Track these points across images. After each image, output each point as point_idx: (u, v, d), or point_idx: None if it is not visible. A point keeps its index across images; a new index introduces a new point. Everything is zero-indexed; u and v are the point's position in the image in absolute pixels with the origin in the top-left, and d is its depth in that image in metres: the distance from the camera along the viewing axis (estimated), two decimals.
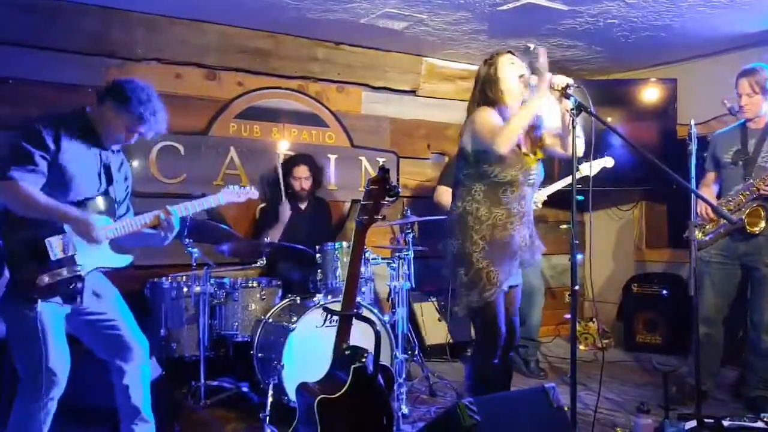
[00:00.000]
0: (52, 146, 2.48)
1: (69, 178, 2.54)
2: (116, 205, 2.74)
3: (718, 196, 3.94)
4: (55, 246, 2.48)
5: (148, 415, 2.79)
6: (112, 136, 2.66)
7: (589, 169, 3.67)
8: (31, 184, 2.44)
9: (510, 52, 3.00)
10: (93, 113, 2.65)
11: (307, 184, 4.64)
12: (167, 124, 2.71)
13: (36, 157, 2.45)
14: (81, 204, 2.58)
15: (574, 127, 2.75)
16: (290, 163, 4.70)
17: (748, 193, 3.69)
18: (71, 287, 2.52)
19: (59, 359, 2.49)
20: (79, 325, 2.64)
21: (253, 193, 3.20)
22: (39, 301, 2.43)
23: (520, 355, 4.70)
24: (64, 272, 2.49)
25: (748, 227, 3.66)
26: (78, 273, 2.53)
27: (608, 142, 5.05)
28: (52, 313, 2.48)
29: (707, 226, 3.85)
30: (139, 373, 2.76)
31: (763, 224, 3.67)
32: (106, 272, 2.76)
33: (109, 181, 2.72)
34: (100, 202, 2.66)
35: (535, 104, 2.84)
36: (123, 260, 2.75)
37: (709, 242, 3.83)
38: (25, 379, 2.49)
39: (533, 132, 3.01)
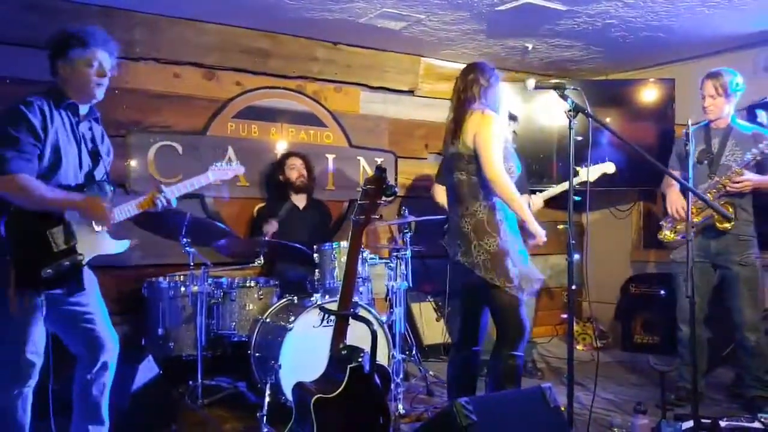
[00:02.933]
0: (41, 133, 2.46)
1: (56, 162, 2.52)
2: (109, 188, 2.71)
3: (685, 195, 3.98)
4: (57, 237, 2.48)
5: (105, 416, 2.76)
6: (84, 85, 2.60)
7: (587, 174, 3.66)
8: (29, 173, 2.42)
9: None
10: (59, 82, 2.61)
11: (304, 172, 4.66)
12: (115, 42, 2.68)
13: (29, 146, 2.43)
14: (73, 190, 2.56)
15: (571, 129, 2.76)
16: (282, 157, 4.77)
17: (715, 190, 3.77)
18: (74, 277, 2.52)
19: (40, 350, 2.49)
20: (60, 316, 2.60)
21: (239, 168, 3.26)
22: (42, 292, 2.43)
23: None
24: (66, 262, 2.49)
25: (717, 224, 3.73)
26: (79, 261, 2.53)
27: (606, 142, 5.06)
28: (37, 305, 2.47)
29: (678, 227, 3.92)
30: (105, 371, 2.73)
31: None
32: (96, 264, 2.71)
33: (96, 160, 2.69)
34: (92, 187, 2.63)
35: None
36: (121, 245, 2.74)
37: (681, 242, 3.88)
38: (2, 368, 2.47)
39: None
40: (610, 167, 4.27)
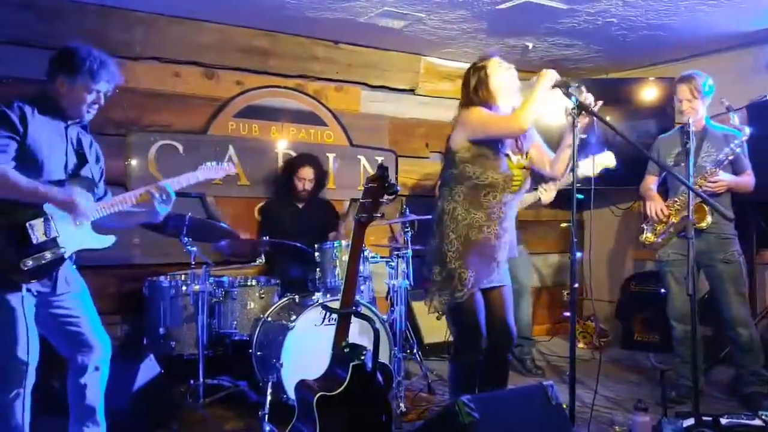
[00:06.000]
0: (19, 127, 2.44)
1: (38, 159, 2.49)
2: (95, 186, 2.69)
3: (665, 198, 4.06)
4: (36, 229, 2.44)
5: (101, 417, 2.73)
6: (76, 106, 2.60)
7: (592, 167, 3.61)
8: (4, 162, 2.39)
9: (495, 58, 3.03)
10: (52, 90, 2.59)
11: (309, 186, 4.62)
12: (120, 75, 2.67)
13: (4, 138, 2.41)
14: (55, 185, 2.53)
15: (575, 126, 2.76)
16: (295, 163, 4.69)
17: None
18: (54, 272, 2.50)
19: (32, 349, 2.44)
20: (45, 318, 2.56)
21: (230, 168, 3.20)
22: (23, 286, 2.40)
23: (515, 354, 4.68)
24: (47, 255, 2.45)
25: (696, 224, 3.72)
26: (62, 255, 2.50)
27: (607, 141, 5.05)
28: (27, 302, 2.43)
29: (658, 228, 3.98)
30: (98, 373, 2.70)
31: (709, 219, 3.79)
32: (84, 265, 2.71)
33: (83, 161, 2.67)
34: (76, 181, 2.61)
35: (540, 89, 2.85)
36: (106, 241, 2.69)
37: (662, 243, 3.98)
38: None
39: (519, 139, 3.05)
40: (610, 159, 4.21)
